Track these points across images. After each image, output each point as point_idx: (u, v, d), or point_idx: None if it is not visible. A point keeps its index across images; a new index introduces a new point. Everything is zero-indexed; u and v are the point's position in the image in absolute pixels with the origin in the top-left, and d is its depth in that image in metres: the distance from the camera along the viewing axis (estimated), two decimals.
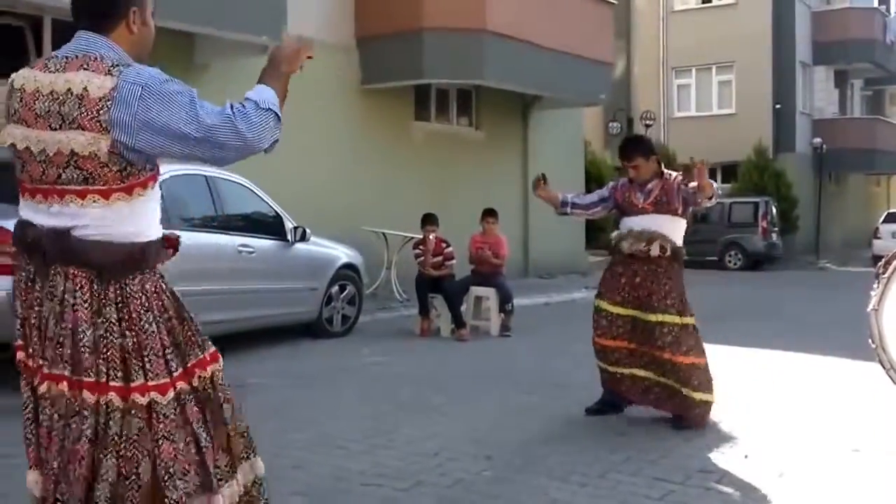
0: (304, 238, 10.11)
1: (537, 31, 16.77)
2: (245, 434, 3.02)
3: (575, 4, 18.45)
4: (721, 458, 5.53)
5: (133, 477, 2.71)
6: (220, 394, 2.93)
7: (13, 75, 2.83)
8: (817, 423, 6.48)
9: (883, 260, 6.69)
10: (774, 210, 26.57)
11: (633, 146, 6.53)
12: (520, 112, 19.69)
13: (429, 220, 11.47)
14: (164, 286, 2.87)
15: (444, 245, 11.34)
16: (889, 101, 42.38)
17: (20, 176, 2.81)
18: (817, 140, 30.81)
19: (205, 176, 9.13)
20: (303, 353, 9.59)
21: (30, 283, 2.80)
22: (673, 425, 6.22)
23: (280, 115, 2.79)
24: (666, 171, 6.41)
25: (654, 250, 6.19)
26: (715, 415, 6.40)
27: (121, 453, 2.71)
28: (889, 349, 6.38)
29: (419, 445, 5.74)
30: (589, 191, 21.28)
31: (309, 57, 2.99)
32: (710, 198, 6.16)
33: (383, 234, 14.53)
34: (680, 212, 6.32)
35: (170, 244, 2.91)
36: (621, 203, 6.47)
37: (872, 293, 6.45)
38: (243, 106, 2.70)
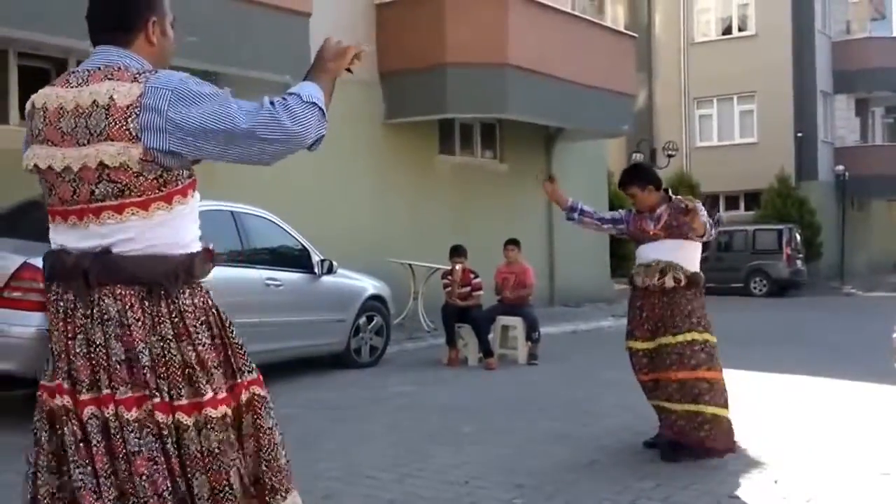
0: (330, 270, 10.21)
1: (559, 65, 16.89)
2: (280, 471, 2.80)
3: (596, 37, 18.59)
4: (750, 483, 5.54)
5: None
6: (255, 424, 2.77)
7: (32, 96, 2.71)
8: (845, 448, 6.48)
9: None
10: (798, 237, 26.52)
11: (628, 176, 6.49)
12: (543, 144, 19.77)
13: (456, 252, 11.58)
14: (210, 301, 2.76)
15: (471, 275, 11.44)
16: None
17: (49, 200, 2.68)
18: (840, 167, 30.74)
19: (231, 211, 9.26)
20: (331, 384, 9.65)
21: (70, 312, 2.62)
22: (695, 456, 6.09)
23: (325, 110, 2.64)
24: (675, 196, 6.35)
25: (669, 282, 6.14)
26: (743, 440, 6.40)
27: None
28: None
29: (449, 474, 5.77)
30: None
31: (357, 57, 2.85)
32: (702, 235, 6.14)
33: (410, 265, 14.61)
34: (692, 236, 6.23)
35: (209, 256, 2.79)
36: (634, 232, 6.45)
37: None
38: (285, 99, 2.57)
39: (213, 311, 2.76)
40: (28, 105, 2.72)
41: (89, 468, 2.60)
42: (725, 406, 6.13)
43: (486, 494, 5.30)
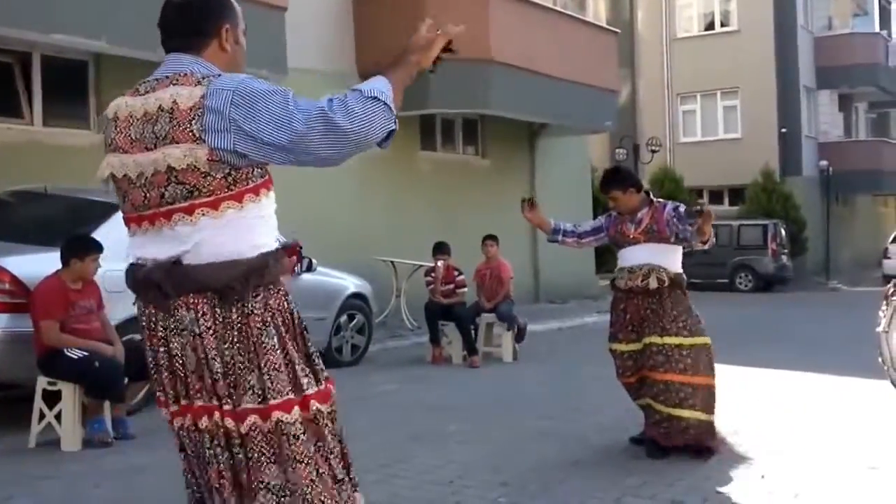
0: (310, 269, 10.05)
1: (542, 61, 16.83)
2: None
3: (579, 33, 18.56)
4: (737, 479, 5.49)
5: None
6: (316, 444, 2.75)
7: (109, 107, 2.73)
8: (832, 442, 6.45)
9: (892, 282, 6.68)
10: (783, 232, 26.56)
11: (609, 179, 6.45)
12: (526, 140, 19.72)
13: (439, 249, 11.50)
14: (287, 304, 2.70)
15: (455, 273, 11.35)
16: (894, 123, 42.41)
17: (123, 208, 2.72)
18: (824, 163, 30.83)
19: None
20: None
21: (152, 325, 2.67)
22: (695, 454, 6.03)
23: (391, 105, 2.54)
24: (656, 199, 6.32)
25: (653, 283, 6.06)
26: (729, 436, 6.37)
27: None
28: None
29: (434, 473, 5.71)
30: (596, 216, 21.31)
31: (448, 49, 2.74)
32: (705, 243, 6.11)
33: (392, 262, 14.53)
34: (672, 240, 6.17)
35: (290, 252, 2.71)
36: (614, 235, 6.39)
37: (882, 314, 6.45)
38: (345, 96, 2.47)
39: (289, 314, 2.70)
40: (104, 116, 2.76)
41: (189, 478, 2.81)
42: (710, 411, 6.04)
43: (471, 494, 5.23)
